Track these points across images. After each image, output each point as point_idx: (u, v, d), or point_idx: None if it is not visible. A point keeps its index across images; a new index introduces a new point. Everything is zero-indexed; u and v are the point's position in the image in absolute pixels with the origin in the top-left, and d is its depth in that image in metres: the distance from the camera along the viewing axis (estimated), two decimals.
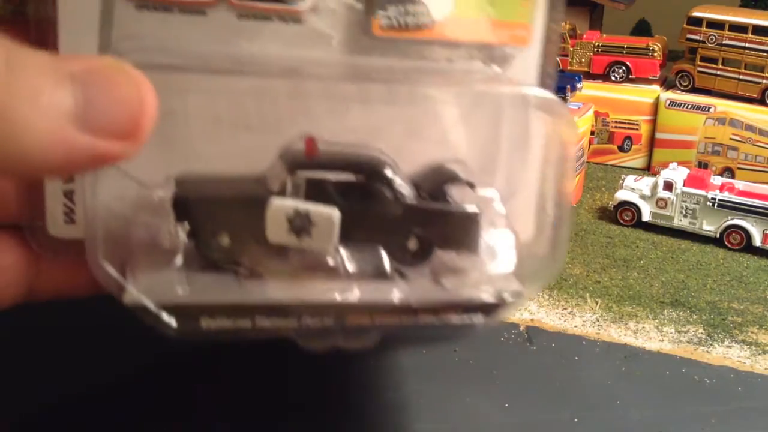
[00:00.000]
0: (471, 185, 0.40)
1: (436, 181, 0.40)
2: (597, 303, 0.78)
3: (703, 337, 0.72)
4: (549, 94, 0.37)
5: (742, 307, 0.78)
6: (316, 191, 0.37)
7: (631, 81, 1.26)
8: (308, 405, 0.56)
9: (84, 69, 0.26)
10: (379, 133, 0.38)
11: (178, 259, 0.36)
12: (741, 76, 1.14)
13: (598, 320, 0.75)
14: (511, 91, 0.38)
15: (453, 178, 0.40)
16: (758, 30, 1.12)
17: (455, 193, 0.40)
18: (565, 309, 0.76)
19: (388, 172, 0.38)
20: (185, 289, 0.35)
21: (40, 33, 0.34)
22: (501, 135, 0.40)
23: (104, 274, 0.33)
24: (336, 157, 0.38)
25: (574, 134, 0.38)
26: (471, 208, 0.39)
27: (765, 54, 1.11)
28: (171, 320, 0.34)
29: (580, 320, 0.74)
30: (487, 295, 0.38)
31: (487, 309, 0.38)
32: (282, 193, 0.36)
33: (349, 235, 0.37)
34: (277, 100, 0.36)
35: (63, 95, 0.25)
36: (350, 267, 0.37)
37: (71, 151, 0.25)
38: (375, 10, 0.36)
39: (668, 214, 0.97)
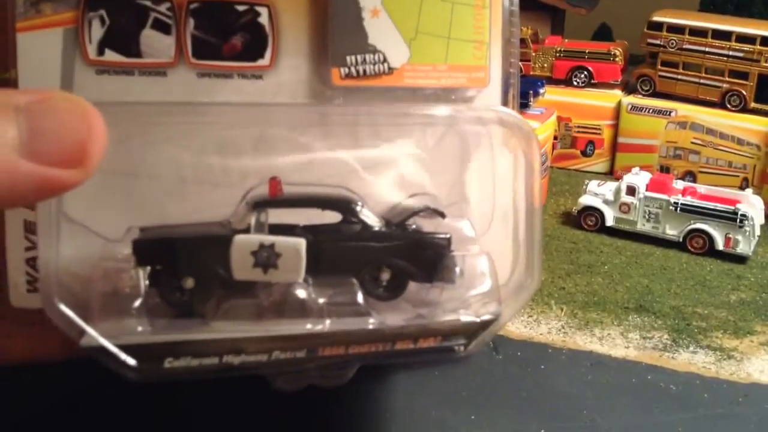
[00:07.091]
0: (441, 214, 0.40)
1: (405, 213, 0.40)
2: (562, 310, 0.77)
3: (669, 343, 0.71)
4: (509, 111, 0.38)
5: (706, 311, 0.78)
6: (282, 233, 0.36)
7: (594, 86, 1.26)
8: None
9: (30, 100, 0.26)
10: (344, 179, 0.39)
11: (138, 303, 0.35)
12: (701, 80, 1.15)
13: (563, 327, 0.74)
14: (471, 116, 0.39)
15: (421, 210, 0.40)
16: (717, 34, 1.13)
17: (426, 223, 0.40)
18: (531, 316, 0.75)
19: (355, 206, 0.38)
20: (146, 329, 0.34)
21: None
22: (468, 163, 0.41)
23: (62, 318, 0.32)
24: (301, 195, 0.37)
25: (533, 146, 0.39)
26: (441, 234, 0.39)
27: (724, 58, 1.12)
28: (130, 360, 0.33)
29: (546, 327, 0.73)
30: (464, 318, 0.38)
31: (467, 332, 0.38)
32: (246, 231, 0.36)
33: (318, 270, 0.36)
34: (241, 152, 0.37)
35: (6, 126, 0.25)
36: (321, 300, 0.37)
37: (16, 180, 0.26)
38: (333, 61, 0.37)
39: (631, 218, 0.97)
